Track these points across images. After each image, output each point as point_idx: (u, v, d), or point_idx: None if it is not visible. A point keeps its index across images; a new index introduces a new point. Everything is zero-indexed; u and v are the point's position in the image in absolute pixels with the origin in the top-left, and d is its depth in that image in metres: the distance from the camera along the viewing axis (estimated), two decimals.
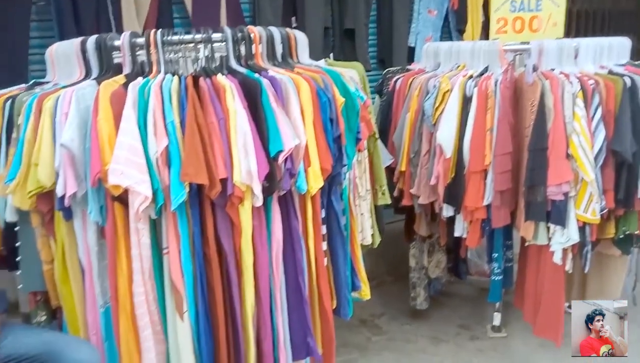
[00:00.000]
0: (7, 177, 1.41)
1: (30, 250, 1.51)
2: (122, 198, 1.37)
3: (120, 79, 1.46)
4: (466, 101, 2.06)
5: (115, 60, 1.56)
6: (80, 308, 1.52)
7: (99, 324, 1.49)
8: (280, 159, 1.45)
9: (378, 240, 2.14)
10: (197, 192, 1.43)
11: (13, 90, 1.62)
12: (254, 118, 1.45)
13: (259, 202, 1.46)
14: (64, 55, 1.62)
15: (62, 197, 1.38)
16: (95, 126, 1.34)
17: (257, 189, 1.43)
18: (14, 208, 1.46)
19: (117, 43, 1.53)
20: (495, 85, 2.01)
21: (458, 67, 2.27)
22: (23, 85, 1.66)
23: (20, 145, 1.42)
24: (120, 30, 2.45)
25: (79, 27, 2.42)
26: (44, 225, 1.48)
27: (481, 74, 2.11)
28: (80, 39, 1.55)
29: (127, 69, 1.52)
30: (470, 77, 2.10)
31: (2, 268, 1.62)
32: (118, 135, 1.33)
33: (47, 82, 1.65)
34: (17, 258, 1.54)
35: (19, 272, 1.55)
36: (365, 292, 1.92)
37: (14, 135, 1.48)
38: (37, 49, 2.40)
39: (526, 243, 2.10)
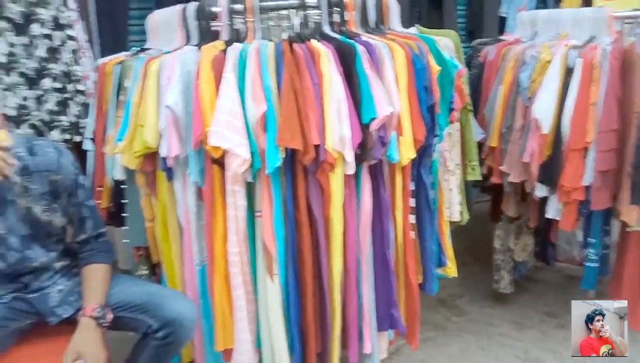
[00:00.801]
0: (116, 137, 1.49)
1: (135, 208, 1.60)
2: (221, 162, 1.41)
3: (219, 44, 1.49)
4: (568, 72, 1.91)
5: (212, 29, 1.59)
6: (178, 265, 1.60)
7: (195, 281, 1.56)
8: (373, 126, 1.42)
9: (467, 217, 2.07)
10: (290, 158, 1.45)
11: (119, 56, 1.70)
12: (348, 84, 1.43)
13: (351, 170, 1.45)
14: (164, 23, 1.68)
15: (166, 158, 1.44)
16: (197, 90, 1.38)
17: (350, 156, 1.41)
18: (122, 167, 1.55)
19: (215, 9, 1.56)
20: (603, 55, 1.85)
21: (559, 36, 2.11)
22: (128, 53, 1.74)
23: (127, 107, 1.50)
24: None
25: None
26: (148, 184, 1.56)
27: (586, 44, 1.94)
28: (181, 6, 1.60)
29: (224, 36, 1.56)
30: (574, 46, 1.95)
31: (110, 225, 1.74)
32: (218, 99, 1.37)
33: (150, 49, 1.71)
34: (124, 214, 1.64)
35: (125, 228, 1.66)
36: (451, 269, 1.87)
37: (121, 97, 1.56)
38: (136, 20, 2.52)
39: (627, 229, 1.94)
